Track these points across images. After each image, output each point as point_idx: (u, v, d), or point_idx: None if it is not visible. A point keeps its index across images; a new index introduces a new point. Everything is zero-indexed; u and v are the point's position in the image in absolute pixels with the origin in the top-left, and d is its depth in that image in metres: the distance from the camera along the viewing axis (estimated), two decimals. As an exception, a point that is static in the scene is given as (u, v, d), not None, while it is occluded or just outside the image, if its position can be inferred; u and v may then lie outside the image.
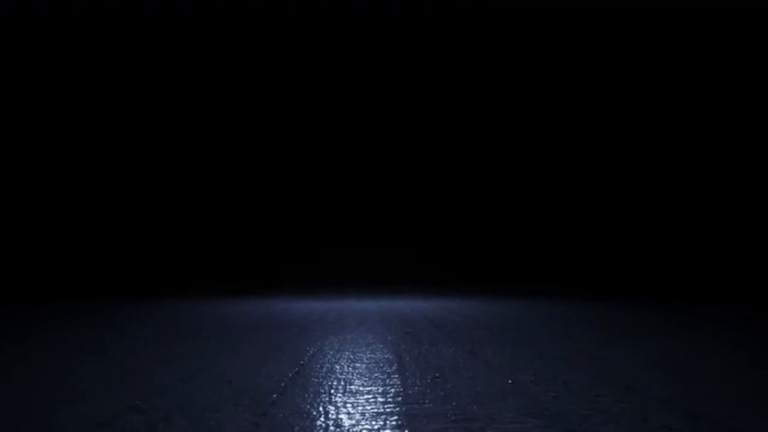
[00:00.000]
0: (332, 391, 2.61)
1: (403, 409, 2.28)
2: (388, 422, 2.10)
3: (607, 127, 16.34)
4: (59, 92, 16.25)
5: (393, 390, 2.63)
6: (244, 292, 12.37)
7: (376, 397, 2.50)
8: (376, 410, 2.27)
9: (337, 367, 3.22)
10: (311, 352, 3.75)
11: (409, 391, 2.60)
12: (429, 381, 2.82)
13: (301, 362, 3.36)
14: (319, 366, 3.24)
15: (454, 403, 2.37)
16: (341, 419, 2.15)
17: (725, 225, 16.60)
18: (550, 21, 15.81)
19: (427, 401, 2.42)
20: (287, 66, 16.19)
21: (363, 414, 2.22)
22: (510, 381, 2.81)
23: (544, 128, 16.38)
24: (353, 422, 2.10)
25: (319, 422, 2.10)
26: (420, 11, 15.82)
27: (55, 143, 16.35)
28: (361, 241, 16.37)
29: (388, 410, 2.27)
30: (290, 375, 2.98)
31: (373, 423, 2.09)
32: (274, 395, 2.53)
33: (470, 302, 9.00)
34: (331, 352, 3.72)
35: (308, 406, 2.34)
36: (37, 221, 16.50)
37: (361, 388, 2.67)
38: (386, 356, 3.57)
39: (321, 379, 2.87)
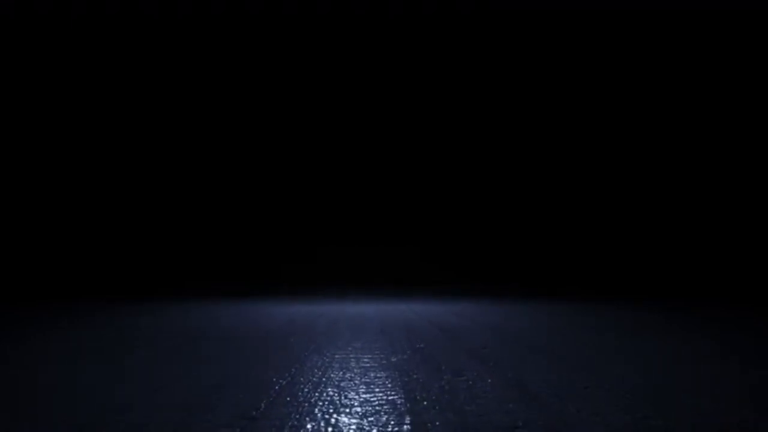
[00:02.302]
0: None
1: None
2: None
3: (607, 127, 14.92)
4: (59, 92, 14.83)
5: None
6: (238, 293, 10.87)
7: None
8: None
9: (309, 427, 1.72)
10: (277, 387, 2.26)
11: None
12: (475, 469, 1.34)
13: (253, 413, 1.87)
14: (278, 424, 1.74)
15: None
16: None
17: (725, 225, 15.17)
18: (550, 21, 14.42)
19: None
20: (287, 66, 14.77)
21: None
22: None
23: (544, 128, 14.95)
24: None
25: None
26: (420, 11, 14.43)
27: (55, 143, 14.91)
28: (361, 241, 14.87)
29: None
30: (219, 449, 1.50)
31: None
32: None
33: (476, 305, 7.50)
34: (307, 388, 2.23)
35: None
36: (37, 221, 15.03)
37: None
38: (391, 397, 2.08)
39: (271, 465, 1.39)
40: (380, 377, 2.46)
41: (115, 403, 2.01)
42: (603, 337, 3.86)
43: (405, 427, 1.70)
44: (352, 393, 2.16)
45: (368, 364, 2.77)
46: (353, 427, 1.71)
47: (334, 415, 1.83)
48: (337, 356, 3.02)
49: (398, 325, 4.57)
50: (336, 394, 2.13)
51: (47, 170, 15.07)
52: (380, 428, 1.69)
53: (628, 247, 15.39)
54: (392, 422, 1.75)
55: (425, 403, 2.00)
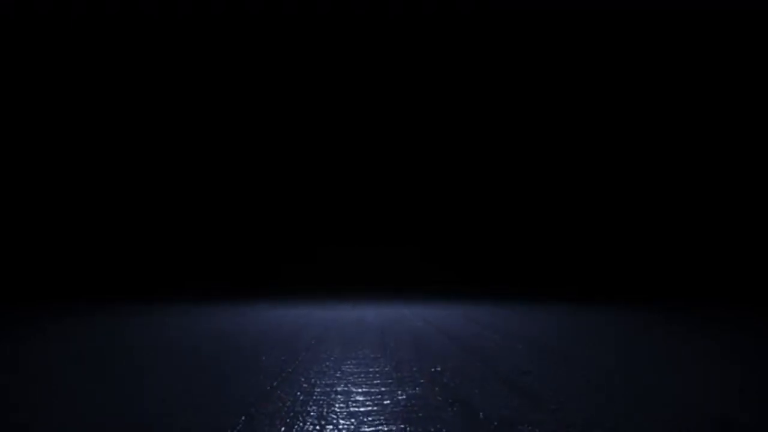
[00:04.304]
0: None
1: None
2: None
3: (606, 127, 13.88)
4: (59, 92, 13.80)
5: None
6: (236, 295, 9.77)
7: None
8: None
9: None
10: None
11: None
12: None
13: None
14: None
15: None
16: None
17: (725, 225, 14.11)
18: (550, 21, 13.42)
19: None
20: (287, 66, 13.74)
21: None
22: None
23: (545, 128, 13.90)
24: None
25: None
26: (420, 11, 13.43)
27: (55, 143, 13.87)
28: (360, 241, 13.76)
29: None
30: None
31: None
32: None
33: (486, 308, 6.39)
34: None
35: None
36: (37, 222, 13.96)
37: None
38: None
39: None
40: (381, 440, 1.36)
41: None
42: (666, 354, 2.76)
43: None
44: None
45: (363, 407, 1.67)
46: None
47: None
48: (318, 389, 1.92)
49: (403, 336, 3.47)
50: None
51: (47, 170, 14.04)
52: None
53: (628, 247, 14.32)
54: None
55: None
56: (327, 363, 2.45)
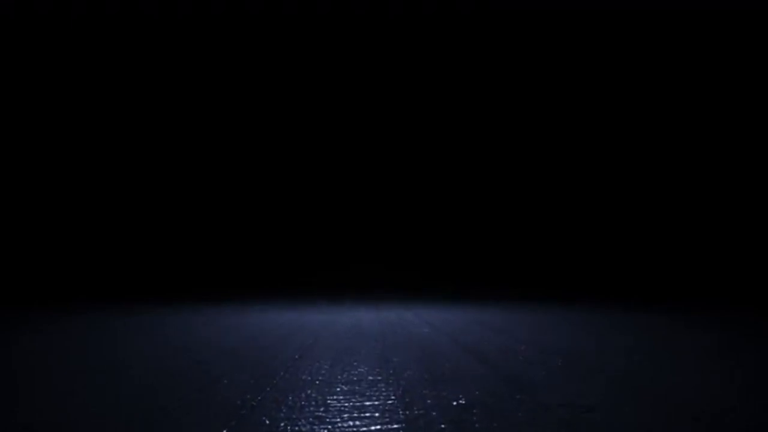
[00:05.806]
0: None
1: None
2: None
3: (606, 128, 13.20)
4: (59, 92, 13.14)
5: None
6: (231, 295, 9.03)
7: None
8: None
9: None
10: None
11: None
12: None
13: None
14: None
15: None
16: None
17: (724, 225, 13.42)
18: (550, 21, 12.77)
19: None
20: (287, 66, 13.08)
21: None
22: None
23: (545, 129, 13.22)
24: None
25: None
26: (420, 11, 12.78)
27: (55, 144, 13.20)
28: (360, 240, 13.03)
29: None
30: None
31: None
32: None
33: (495, 311, 5.67)
34: None
35: None
36: (36, 223, 13.26)
37: None
38: None
39: None
40: None
41: None
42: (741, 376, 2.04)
43: None
44: None
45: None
46: None
47: None
48: (287, 442, 1.20)
49: (408, 348, 2.74)
50: None
51: (45, 171, 13.35)
52: None
53: (628, 248, 13.60)
54: None
55: None
56: (309, 390, 1.72)
